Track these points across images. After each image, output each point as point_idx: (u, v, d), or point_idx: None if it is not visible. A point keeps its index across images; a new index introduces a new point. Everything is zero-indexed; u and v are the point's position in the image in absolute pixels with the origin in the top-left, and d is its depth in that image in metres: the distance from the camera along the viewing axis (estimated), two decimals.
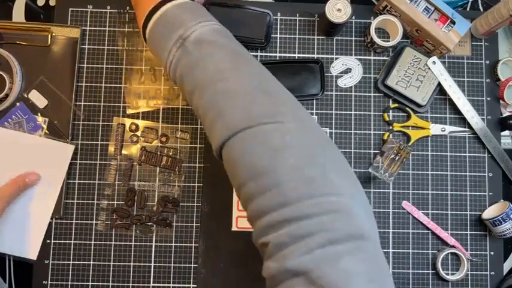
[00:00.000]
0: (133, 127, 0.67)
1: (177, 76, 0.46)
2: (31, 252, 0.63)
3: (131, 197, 0.66)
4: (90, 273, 0.64)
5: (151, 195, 0.66)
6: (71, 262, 0.65)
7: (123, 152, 0.66)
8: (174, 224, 0.66)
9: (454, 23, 0.65)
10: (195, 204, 0.66)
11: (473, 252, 0.67)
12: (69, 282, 0.64)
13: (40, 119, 0.66)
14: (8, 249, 0.63)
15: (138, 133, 0.67)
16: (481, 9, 0.73)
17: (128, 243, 0.65)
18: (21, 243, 0.63)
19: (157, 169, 0.66)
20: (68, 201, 0.65)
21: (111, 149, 0.66)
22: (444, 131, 0.69)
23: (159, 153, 0.66)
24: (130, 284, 0.65)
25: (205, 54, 0.44)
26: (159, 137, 0.67)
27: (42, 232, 0.64)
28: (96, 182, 0.66)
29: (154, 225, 0.65)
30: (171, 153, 0.66)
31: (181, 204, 0.66)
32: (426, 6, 0.66)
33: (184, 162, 0.67)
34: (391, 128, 0.69)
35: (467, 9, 0.73)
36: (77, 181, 0.66)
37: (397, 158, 0.64)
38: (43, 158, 0.64)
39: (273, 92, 0.43)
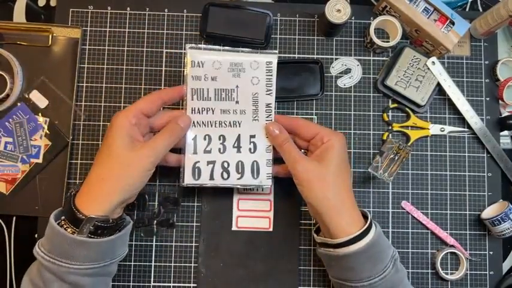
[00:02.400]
0: None
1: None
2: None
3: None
4: None
5: (151, 197, 0.66)
6: None
7: None
8: (175, 223, 0.66)
9: (453, 23, 0.65)
10: (195, 204, 0.66)
11: (473, 252, 0.67)
12: None
13: (41, 119, 0.66)
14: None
15: None
16: (481, 10, 0.73)
17: (128, 242, 0.65)
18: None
19: (157, 170, 0.66)
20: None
21: None
22: (443, 131, 0.69)
23: None
24: (131, 284, 0.65)
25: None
26: None
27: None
28: None
29: (156, 227, 0.66)
30: None
31: (181, 204, 0.66)
32: (425, 7, 0.66)
33: None
34: (390, 128, 0.69)
35: (467, 9, 0.73)
36: (77, 181, 0.66)
37: (396, 158, 0.64)
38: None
39: None
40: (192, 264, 0.65)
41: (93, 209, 0.51)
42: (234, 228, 0.66)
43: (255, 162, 0.60)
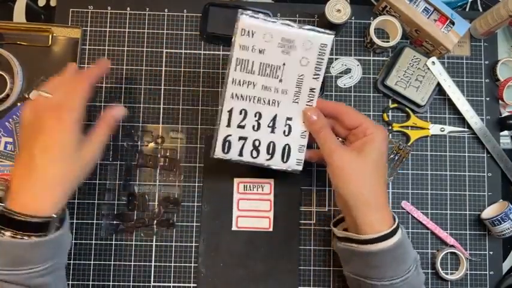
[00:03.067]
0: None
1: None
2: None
3: (132, 200, 0.66)
4: (91, 273, 0.65)
5: (151, 197, 0.66)
6: (72, 262, 0.65)
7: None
8: (174, 223, 0.66)
9: (453, 23, 0.65)
10: (195, 204, 0.66)
11: (473, 252, 0.67)
12: (70, 282, 0.64)
13: None
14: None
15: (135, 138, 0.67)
16: (481, 10, 0.73)
17: (128, 242, 0.65)
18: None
19: (157, 171, 0.66)
20: (68, 200, 0.65)
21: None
22: (443, 131, 0.69)
23: (158, 155, 0.67)
24: (131, 284, 0.65)
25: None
26: (154, 138, 0.67)
27: None
28: (97, 181, 0.66)
29: (156, 227, 0.66)
30: (168, 154, 0.67)
31: (181, 204, 0.66)
32: (425, 7, 0.66)
33: (183, 162, 0.67)
34: (390, 128, 0.69)
35: (467, 9, 0.73)
36: None
37: (396, 157, 0.64)
38: None
39: None
40: (192, 264, 0.65)
41: (45, 209, 0.50)
42: (234, 228, 0.66)
43: (287, 146, 0.58)
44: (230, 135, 0.57)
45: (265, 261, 0.65)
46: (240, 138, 0.57)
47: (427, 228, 0.67)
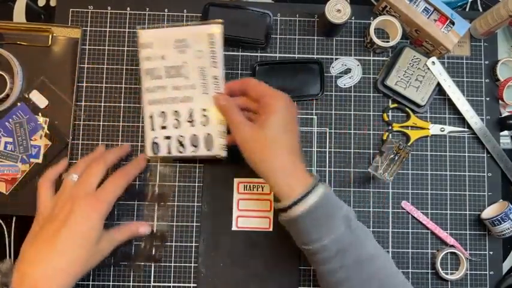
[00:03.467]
0: None
1: (335, 251, 0.51)
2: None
3: None
4: (91, 272, 0.64)
5: None
6: None
7: None
8: (174, 224, 0.66)
9: (453, 23, 0.66)
10: (195, 204, 0.67)
11: (473, 252, 0.67)
12: None
13: (41, 119, 0.66)
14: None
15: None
16: (481, 10, 0.73)
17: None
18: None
19: (144, 205, 0.66)
20: None
21: None
22: (443, 131, 0.69)
23: (148, 189, 0.66)
24: (131, 284, 0.65)
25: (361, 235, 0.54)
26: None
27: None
28: None
29: (141, 262, 0.65)
30: (157, 190, 0.66)
31: (181, 204, 0.66)
32: (425, 7, 0.66)
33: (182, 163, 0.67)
34: (390, 128, 0.69)
35: (467, 9, 0.73)
36: None
37: (396, 158, 0.64)
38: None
39: None
40: (192, 264, 0.65)
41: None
42: (234, 228, 0.66)
43: (208, 135, 0.61)
44: (156, 137, 0.62)
45: (265, 261, 0.65)
46: (165, 137, 0.62)
47: (427, 228, 0.67)
